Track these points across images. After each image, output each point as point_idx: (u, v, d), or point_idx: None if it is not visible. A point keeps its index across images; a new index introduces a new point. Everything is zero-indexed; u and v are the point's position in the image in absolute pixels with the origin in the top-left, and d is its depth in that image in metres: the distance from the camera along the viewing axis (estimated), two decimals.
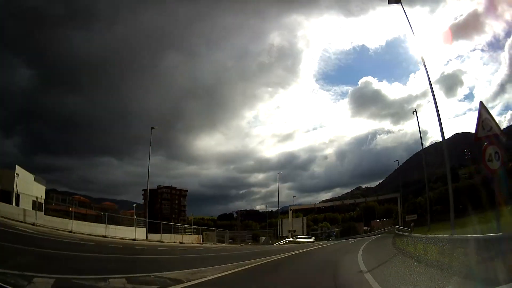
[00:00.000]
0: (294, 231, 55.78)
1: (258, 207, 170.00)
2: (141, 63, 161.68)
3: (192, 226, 48.55)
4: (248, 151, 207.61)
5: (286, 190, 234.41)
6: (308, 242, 50.03)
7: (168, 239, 32.39)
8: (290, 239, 51.15)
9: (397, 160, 62.40)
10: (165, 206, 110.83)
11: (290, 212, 61.56)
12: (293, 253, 21.32)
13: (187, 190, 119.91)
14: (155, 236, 31.21)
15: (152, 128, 39.29)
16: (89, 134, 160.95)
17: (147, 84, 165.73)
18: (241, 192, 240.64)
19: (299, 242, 48.10)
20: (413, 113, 41.79)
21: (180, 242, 32.25)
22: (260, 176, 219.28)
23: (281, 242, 47.01)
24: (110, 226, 26.53)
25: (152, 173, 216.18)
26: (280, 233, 65.15)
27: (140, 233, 29.33)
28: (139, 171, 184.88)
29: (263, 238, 64.39)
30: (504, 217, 9.16)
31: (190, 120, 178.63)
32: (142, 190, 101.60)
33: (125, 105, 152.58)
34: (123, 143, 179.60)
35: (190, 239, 36.29)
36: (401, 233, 28.93)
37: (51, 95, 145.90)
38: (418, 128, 42.19)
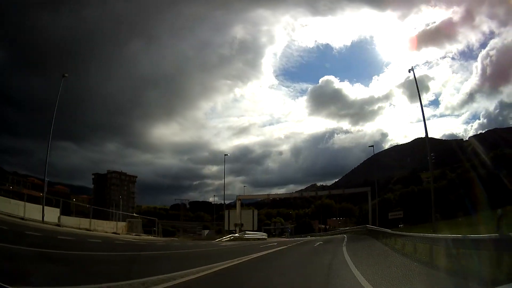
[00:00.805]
0: (242, 225, 45.27)
1: (211, 199, 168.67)
2: (105, 49, 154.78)
3: (121, 212, 45.28)
4: (203, 143, 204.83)
5: (239, 183, 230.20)
6: (258, 239, 40.01)
7: (85, 224, 26.34)
8: (237, 234, 40.84)
9: (372, 146, 52.89)
10: (114, 191, 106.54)
11: (238, 203, 50.28)
12: (215, 269, 9.47)
13: (136, 176, 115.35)
14: (72, 220, 26.24)
15: None
16: (50, 117, 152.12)
17: (109, 70, 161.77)
18: (194, 183, 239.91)
19: (247, 239, 37.93)
20: (409, 71, 30.12)
21: (87, 229, 24.98)
22: (214, 168, 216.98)
23: (225, 238, 37.05)
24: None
25: (107, 160, 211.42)
26: (227, 227, 55.44)
27: (51, 214, 24.29)
28: (97, 157, 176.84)
29: (206, 232, 54.65)
30: None
31: (148, 108, 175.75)
32: (92, 174, 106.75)
33: (87, 90, 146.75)
34: (83, 128, 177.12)
35: (115, 227, 29.86)
36: (387, 232, 20.70)
37: (14, 76, 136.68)
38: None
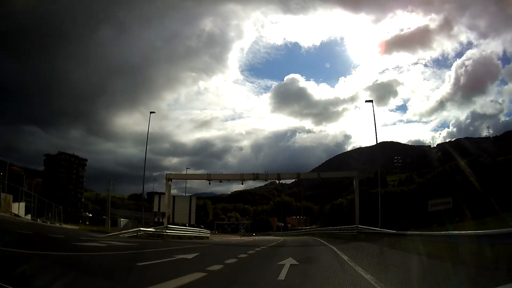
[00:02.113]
0: (169, 216, 31.86)
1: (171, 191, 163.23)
2: (75, 34, 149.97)
3: None
4: (164, 134, 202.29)
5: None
6: (190, 237, 28.66)
7: None
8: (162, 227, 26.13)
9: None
10: (62, 174, 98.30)
11: (167, 185, 34.33)
12: None
13: (86, 160, 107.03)
14: None
15: None
16: (18, 101, 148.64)
17: (77, 56, 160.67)
18: (154, 174, 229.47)
19: (170, 236, 25.46)
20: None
21: None
22: (175, 160, 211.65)
23: (125, 233, 23.06)
24: None
25: (70, 147, 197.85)
26: (157, 218, 46.40)
27: None
28: (62, 143, 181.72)
29: (124, 222, 45.21)
30: None
31: (113, 96, 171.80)
32: (44, 155, 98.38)
33: (54, 75, 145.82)
34: (49, 113, 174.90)
35: None
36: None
37: None
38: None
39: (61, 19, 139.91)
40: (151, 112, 33.05)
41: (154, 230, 24.04)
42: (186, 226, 31.39)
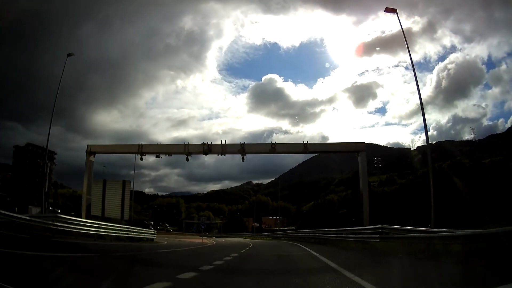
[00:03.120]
0: (88, 204, 23.18)
1: (147, 190, 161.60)
2: (57, 29, 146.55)
3: None
4: (141, 132, 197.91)
5: (175, 176, 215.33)
6: (118, 236, 17.44)
7: None
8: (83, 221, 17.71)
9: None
10: (29, 167, 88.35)
11: (87, 162, 26.44)
12: None
13: (55, 153, 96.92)
14: None
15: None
16: None
17: (58, 51, 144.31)
18: (131, 172, 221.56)
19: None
20: None
21: None
22: (151, 159, 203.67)
23: None
24: None
25: (50, 144, 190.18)
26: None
27: None
28: (42, 140, 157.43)
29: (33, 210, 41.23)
30: None
31: (91, 92, 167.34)
32: (13, 147, 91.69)
33: (34, 70, 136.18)
34: (29, 109, 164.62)
35: None
36: None
37: None
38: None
39: (41, 13, 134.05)
40: (68, 55, 24.76)
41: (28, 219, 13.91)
42: (123, 224, 23.94)
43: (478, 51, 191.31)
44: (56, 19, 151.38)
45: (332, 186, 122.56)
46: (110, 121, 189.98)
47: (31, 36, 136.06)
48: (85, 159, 26.29)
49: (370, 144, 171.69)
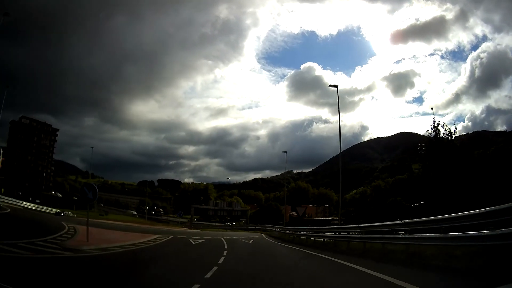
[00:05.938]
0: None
1: (186, 180, 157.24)
2: (88, 22, 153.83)
3: None
4: (180, 122, 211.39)
5: (215, 166, 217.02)
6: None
7: None
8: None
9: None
10: (25, 144, 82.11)
11: None
12: None
13: (58, 130, 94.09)
14: None
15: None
16: (29, 88, 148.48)
17: (90, 43, 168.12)
18: (170, 162, 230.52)
19: None
20: None
21: None
22: (191, 149, 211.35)
23: None
24: None
25: (85, 135, 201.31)
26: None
27: None
28: (76, 132, 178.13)
29: None
30: None
31: (127, 83, 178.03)
32: (10, 123, 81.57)
33: (67, 63, 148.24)
34: (62, 101, 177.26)
35: None
36: None
37: None
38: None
39: (74, 7, 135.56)
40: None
41: None
42: None
43: (507, 41, 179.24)
44: (89, 12, 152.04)
45: (376, 173, 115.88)
46: (147, 111, 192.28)
47: (63, 29, 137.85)
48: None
49: (409, 133, 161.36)
